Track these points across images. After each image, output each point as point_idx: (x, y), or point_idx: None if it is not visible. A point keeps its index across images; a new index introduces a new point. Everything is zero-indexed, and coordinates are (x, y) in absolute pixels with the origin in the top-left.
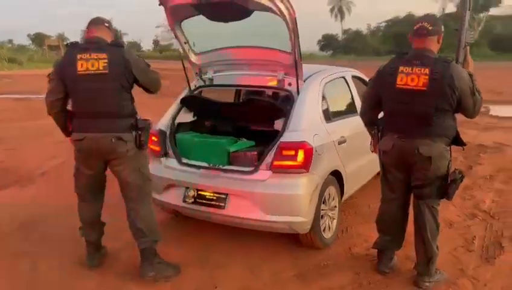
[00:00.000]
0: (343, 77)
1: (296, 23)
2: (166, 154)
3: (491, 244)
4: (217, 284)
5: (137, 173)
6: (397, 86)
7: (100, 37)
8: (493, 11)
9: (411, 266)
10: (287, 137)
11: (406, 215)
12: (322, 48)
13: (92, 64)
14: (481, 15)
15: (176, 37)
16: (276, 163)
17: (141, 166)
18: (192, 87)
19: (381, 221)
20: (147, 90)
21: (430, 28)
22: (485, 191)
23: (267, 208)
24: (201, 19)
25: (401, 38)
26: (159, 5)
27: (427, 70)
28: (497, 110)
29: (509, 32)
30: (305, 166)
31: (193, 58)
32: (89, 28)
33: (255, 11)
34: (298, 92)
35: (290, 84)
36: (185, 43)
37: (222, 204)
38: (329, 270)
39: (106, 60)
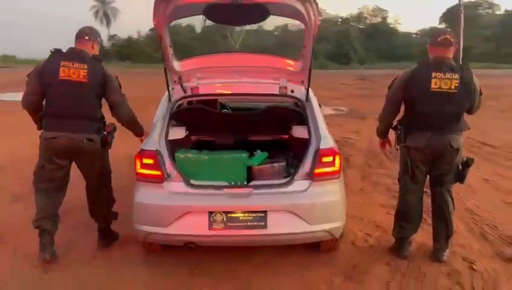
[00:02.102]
0: None
1: (318, 30)
2: (167, 178)
3: None
4: None
5: (103, 167)
6: (432, 89)
7: (83, 50)
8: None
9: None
10: (323, 144)
11: (422, 203)
12: None
13: (74, 72)
14: (237, 28)
15: (161, 39)
16: (317, 171)
17: (105, 161)
18: (174, 99)
19: (405, 211)
20: (112, 108)
21: (451, 39)
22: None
23: (311, 218)
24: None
25: (176, 44)
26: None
27: (457, 76)
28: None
29: (258, 43)
30: (340, 171)
31: (175, 64)
32: (75, 40)
33: (270, 16)
34: (307, 99)
35: (292, 91)
36: (170, 46)
37: (262, 223)
38: (365, 266)
39: (86, 71)
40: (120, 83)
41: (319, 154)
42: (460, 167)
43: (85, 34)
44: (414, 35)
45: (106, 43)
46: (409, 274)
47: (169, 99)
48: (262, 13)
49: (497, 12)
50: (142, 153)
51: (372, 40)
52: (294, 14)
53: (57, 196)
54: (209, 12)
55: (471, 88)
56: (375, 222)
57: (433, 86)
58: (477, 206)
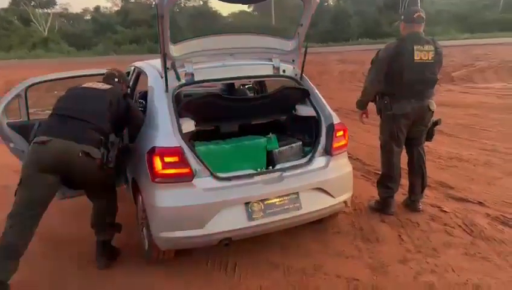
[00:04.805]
0: None
1: (315, 10)
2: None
3: None
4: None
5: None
6: (415, 61)
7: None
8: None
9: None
10: (335, 119)
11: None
12: None
13: (97, 85)
14: (43, 11)
15: (162, 20)
16: (335, 146)
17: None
18: (171, 88)
19: (391, 173)
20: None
21: (423, 16)
22: None
23: (335, 191)
24: None
25: None
26: None
27: (432, 47)
28: None
29: (79, 29)
30: (347, 144)
31: (172, 48)
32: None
33: None
34: (301, 78)
35: (284, 71)
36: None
37: (297, 204)
38: (369, 227)
39: (109, 86)
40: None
41: (334, 129)
42: (432, 126)
43: (115, 76)
44: (230, 20)
45: None
46: (407, 226)
47: (166, 89)
48: None
49: None
50: (163, 151)
51: (198, 24)
52: None
53: (31, 230)
54: None
55: (441, 58)
56: None
57: (415, 57)
58: None
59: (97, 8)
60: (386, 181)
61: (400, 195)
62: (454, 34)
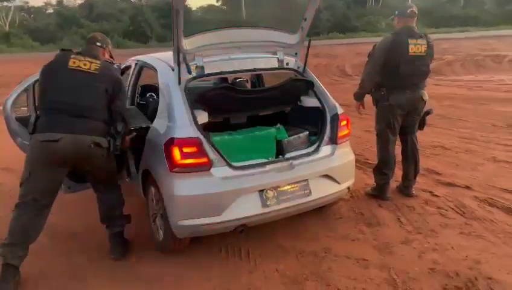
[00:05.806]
0: None
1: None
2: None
3: None
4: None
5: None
6: (410, 54)
7: (95, 52)
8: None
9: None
10: (338, 109)
11: None
12: None
13: (85, 64)
14: (2, 4)
15: (177, 14)
16: (340, 134)
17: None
18: (183, 80)
19: (387, 160)
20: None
21: (416, 11)
22: None
23: (340, 178)
24: None
25: None
26: None
27: (424, 41)
28: None
29: (42, 23)
30: (350, 133)
31: (184, 42)
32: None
33: None
34: (304, 70)
35: (287, 64)
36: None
37: (307, 191)
38: (368, 213)
39: (99, 65)
40: None
41: (339, 118)
42: (424, 115)
43: (97, 40)
44: (199, 13)
45: None
46: (403, 210)
47: (179, 82)
48: None
49: None
50: (181, 142)
51: (167, 18)
52: None
53: (43, 214)
54: None
55: (433, 51)
56: None
57: (410, 51)
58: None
59: (60, 1)
60: (382, 168)
61: (392, 182)
62: (419, 29)
